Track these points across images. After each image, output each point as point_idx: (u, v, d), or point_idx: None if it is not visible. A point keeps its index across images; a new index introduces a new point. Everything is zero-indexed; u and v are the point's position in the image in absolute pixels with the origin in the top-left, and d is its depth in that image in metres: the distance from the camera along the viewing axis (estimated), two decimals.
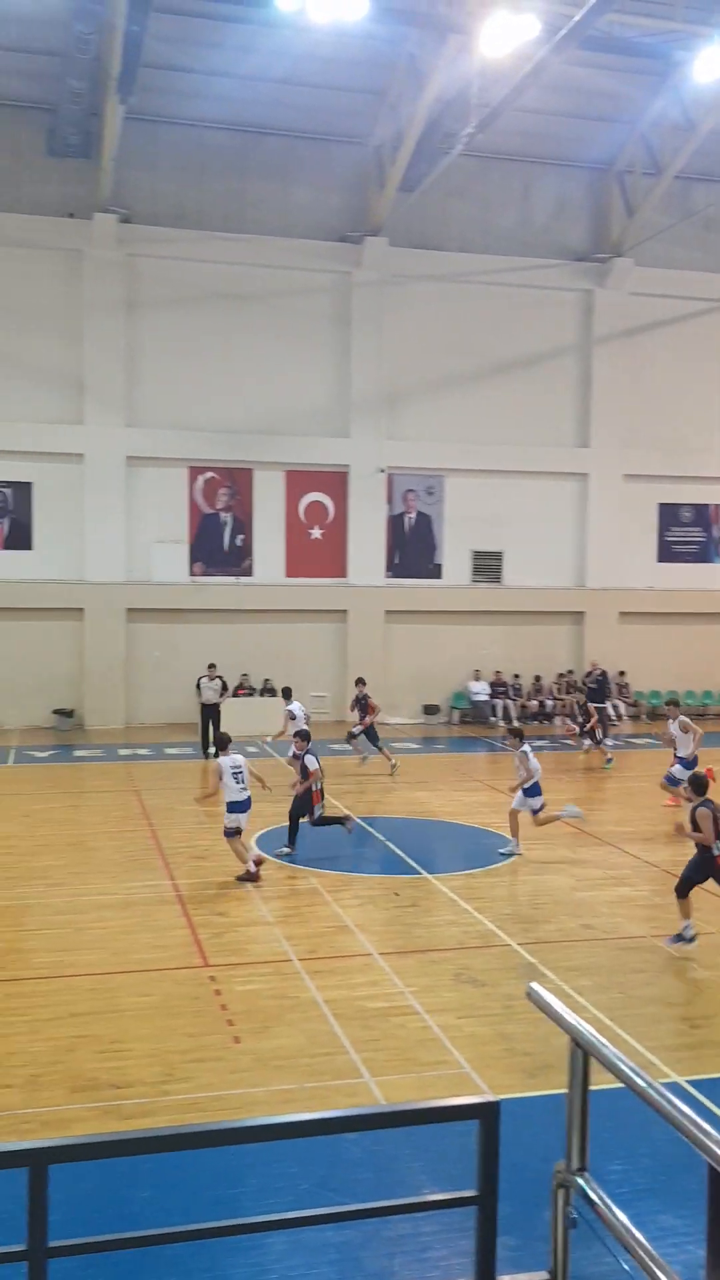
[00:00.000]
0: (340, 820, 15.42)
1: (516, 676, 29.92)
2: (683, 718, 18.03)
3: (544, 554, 30.27)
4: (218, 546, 28.51)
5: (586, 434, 30.27)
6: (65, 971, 10.60)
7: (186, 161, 27.20)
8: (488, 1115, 3.07)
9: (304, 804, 14.92)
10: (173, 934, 11.85)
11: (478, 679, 29.16)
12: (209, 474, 28.29)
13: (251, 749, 23.34)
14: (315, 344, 28.48)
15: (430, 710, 29.52)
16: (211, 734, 21.86)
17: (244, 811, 13.78)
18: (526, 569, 30.24)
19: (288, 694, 22.08)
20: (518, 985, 10.22)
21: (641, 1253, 2.89)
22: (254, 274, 27.78)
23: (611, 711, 28.12)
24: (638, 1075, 2.92)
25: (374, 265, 28.28)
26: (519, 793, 15.34)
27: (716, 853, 10.89)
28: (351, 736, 22.70)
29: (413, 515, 29.83)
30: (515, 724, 21.66)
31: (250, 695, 27.38)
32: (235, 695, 26.92)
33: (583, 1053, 3.09)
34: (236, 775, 13.74)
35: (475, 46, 21.40)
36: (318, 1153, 7.21)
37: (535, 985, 3.43)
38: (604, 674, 26.90)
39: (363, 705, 22.41)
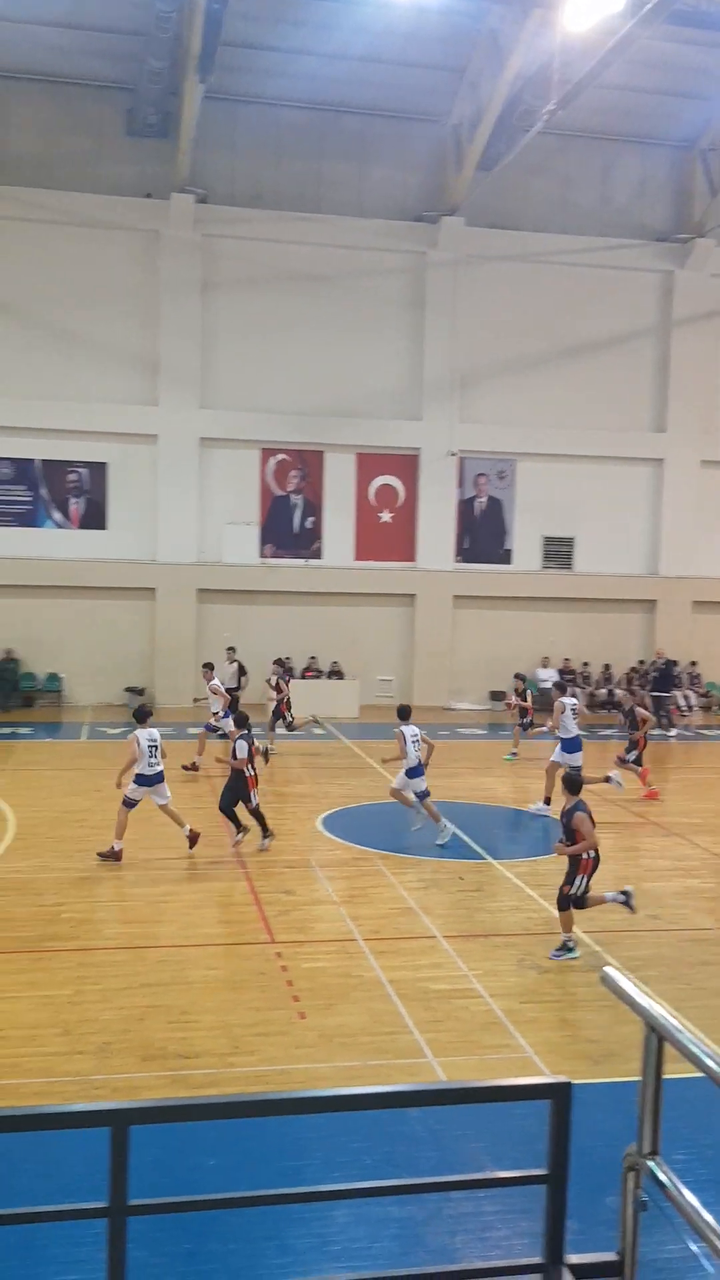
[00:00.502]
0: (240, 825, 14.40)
1: (586, 664, 29.66)
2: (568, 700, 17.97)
3: (617, 540, 29.92)
4: (288, 528, 28.64)
5: (663, 419, 29.81)
6: (136, 943, 10.80)
7: (264, 141, 27.24)
8: (560, 1095, 3.09)
9: (236, 791, 14.19)
10: (240, 910, 12.01)
11: (546, 666, 28.97)
12: (280, 456, 28.40)
13: (319, 731, 23.49)
14: (388, 325, 28.40)
15: (497, 696, 29.39)
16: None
17: (151, 785, 13.78)
18: (598, 556, 29.92)
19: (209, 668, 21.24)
20: (582, 973, 10.20)
21: (713, 1236, 2.88)
22: (329, 255, 27.76)
23: (682, 701, 27.79)
24: (715, 1061, 2.91)
25: (450, 245, 28.09)
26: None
27: (586, 856, 10.64)
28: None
29: (483, 499, 29.66)
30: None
31: (318, 678, 27.52)
32: (303, 677, 27.11)
33: (657, 1037, 3.08)
34: (152, 749, 13.80)
35: (558, 21, 21.10)
36: (381, 1129, 7.28)
37: (610, 970, 3.43)
38: (670, 663, 26.52)
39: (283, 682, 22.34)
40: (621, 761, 18.47)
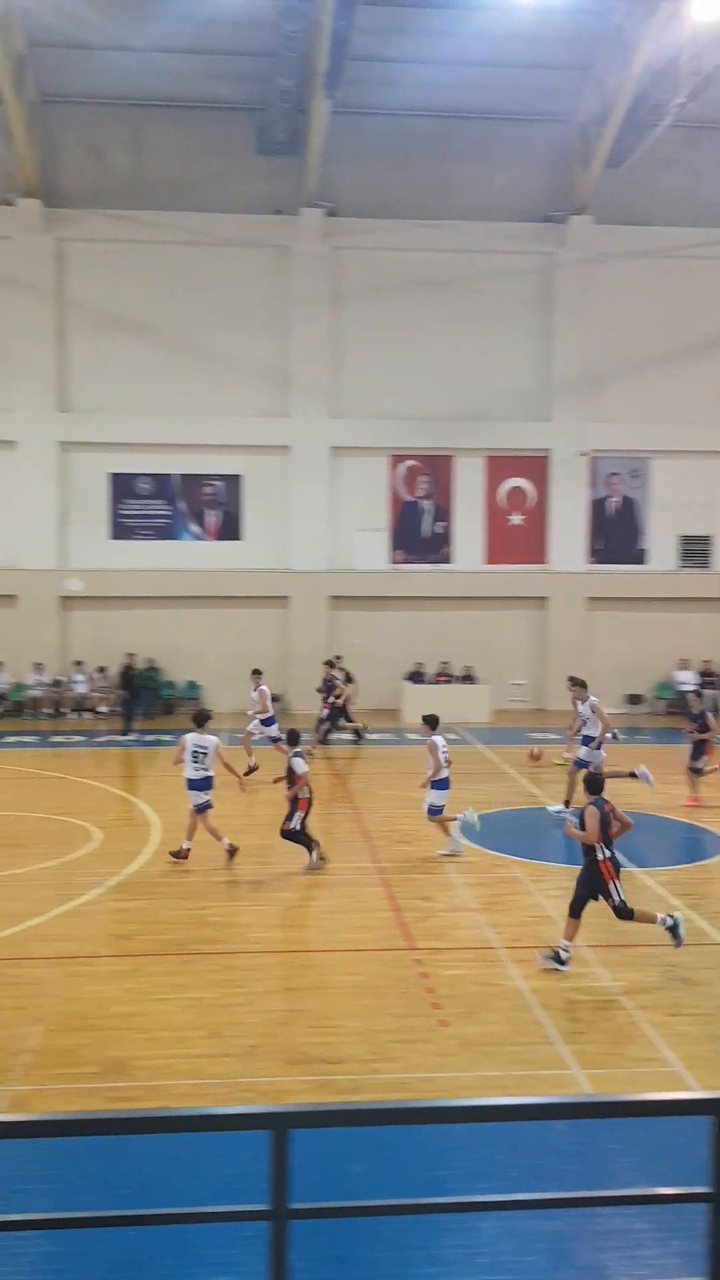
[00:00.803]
0: (309, 844, 13.70)
1: None
2: (593, 699, 17.24)
3: None
4: (417, 534, 28.71)
5: None
6: (277, 948, 11.00)
7: (389, 151, 27.42)
8: None
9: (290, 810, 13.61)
10: (378, 916, 12.09)
11: (684, 668, 28.29)
12: (410, 462, 28.50)
13: (452, 735, 23.43)
14: (516, 327, 28.23)
15: (634, 700, 28.85)
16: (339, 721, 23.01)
17: (191, 789, 13.83)
18: None
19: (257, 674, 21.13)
20: None
21: None
22: (456, 260, 27.76)
23: None
24: None
25: (578, 244, 27.76)
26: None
27: (601, 856, 10.17)
28: (319, 723, 22.74)
29: (617, 499, 29.17)
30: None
31: (449, 682, 27.50)
32: (435, 682, 27.13)
33: None
34: (196, 754, 13.79)
35: (686, 12, 20.66)
36: (527, 1141, 7.24)
37: None
38: None
39: (329, 688, 22.63)
40: (696, 772, 17.74)
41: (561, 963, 10.21)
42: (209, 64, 25.45)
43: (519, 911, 12.21)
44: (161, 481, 27.92)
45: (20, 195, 26.36)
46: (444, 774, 14.47)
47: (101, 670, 26.95)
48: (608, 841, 10.19)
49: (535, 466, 28.71)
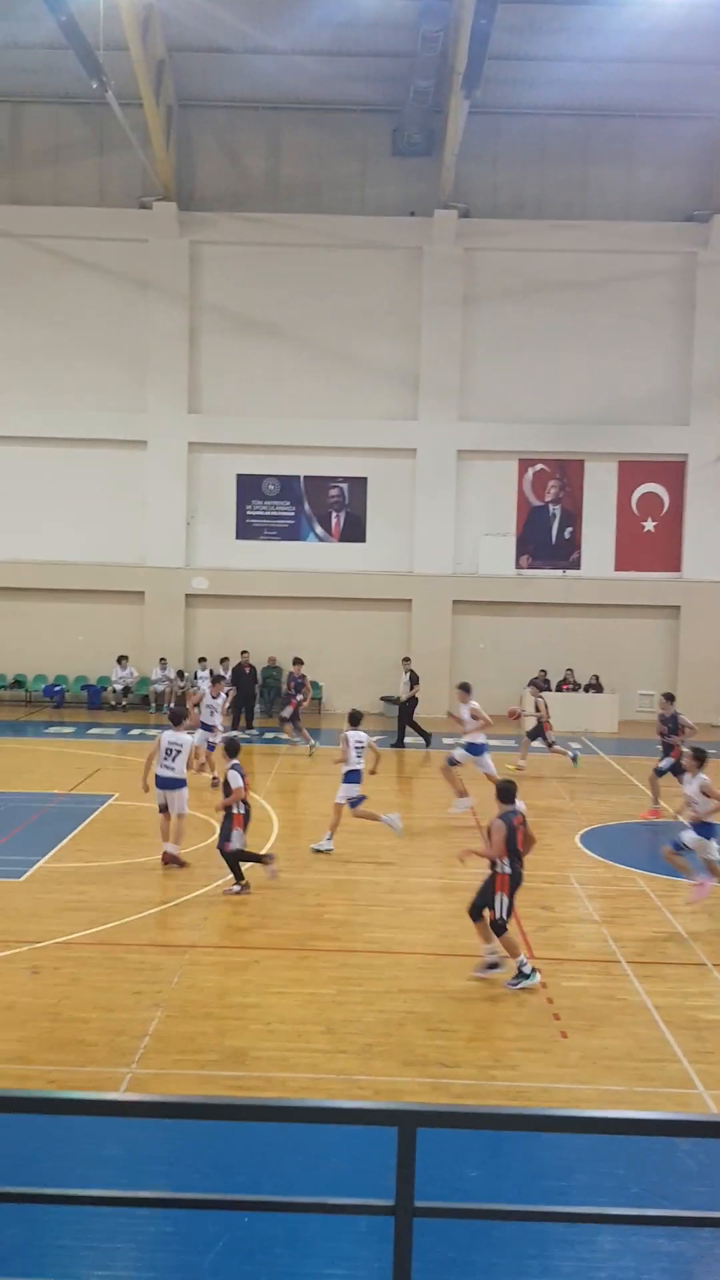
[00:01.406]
0: (259, 858, 12.82)
1: None
2: (474, 703, 16.81)
3: None
4: (545, 539, 28.33)
5: None
6: (395, 948, 10.91)
7: (527, 151, 27.16)
8: None
9: (224, 829, 12.56)
10: None
11: None
12: (539, 466, 28.15)
13: (575, 744, 23.03)
14: (654, 329, 27.62)
15: None
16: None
17: (161, 787, 13.60)
18: None
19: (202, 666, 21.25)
20: None
21: None
22: (593, 260, 27.33)
23: None
24: None
25: None
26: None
27: (499, 871, 9.88)
28: (283, 721, 22.85)
29: None
30: None
31: (575, 691, 27.04)
32: (559, 690, 26.70)
33: None
34: (169, 752, 13.51)
35: None
36: (649, 1158, 7.01)
37: None
38: None
39: (298, 686, 22.76)
40: (659, 772, 17.03)
41: (492, 966, 10.08)
42: (346, 66, 25.61)
43: (644, 926, 11.87)
44: (287, 483, 28.19)
45: (157, 199, 26.96)
46: (353, 767, 14.42)
47: (223, 661, 27.22)
48: (514, 856, 9.96)
49: (671, 472, 28.04)
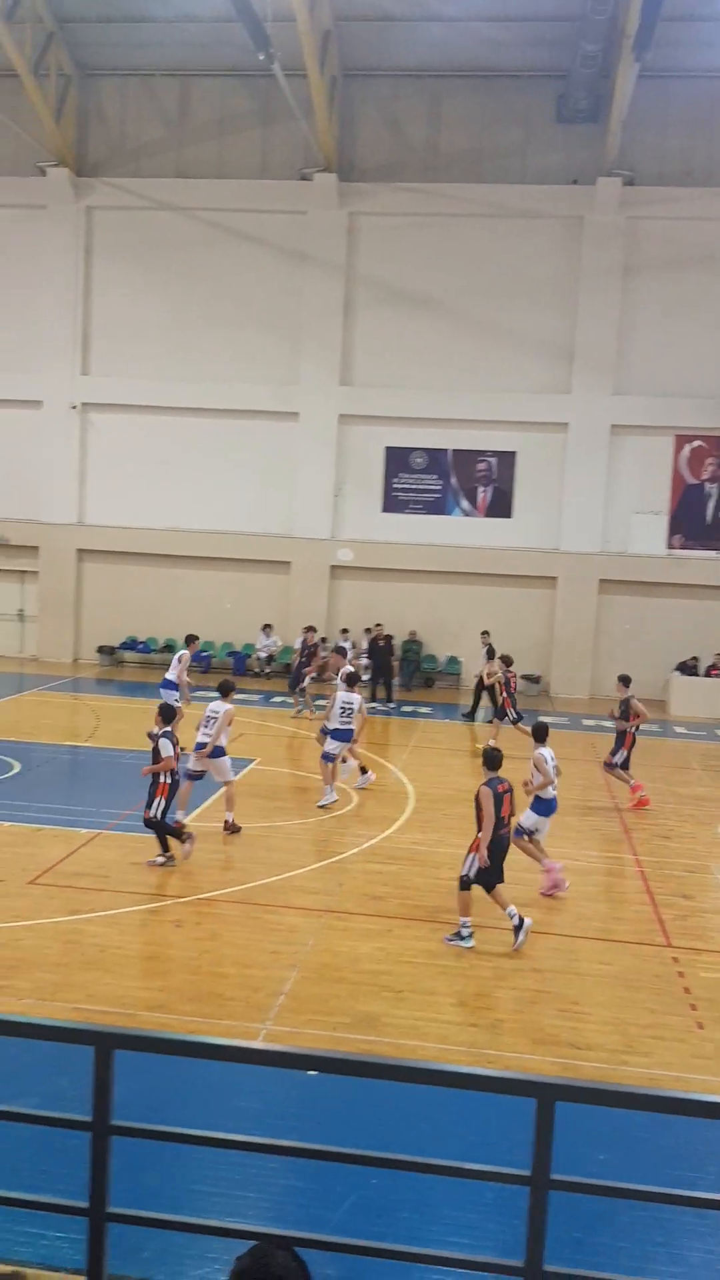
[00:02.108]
0: (178, 833, 12.45)
1: None
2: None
3: None
4: (700, 518, 27.50)
5: None
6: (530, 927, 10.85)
7: (696, 116, 26.18)
8: None
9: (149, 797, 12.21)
10: (634, 909, 11.74)
11: None
12: (696, 442, 27.30)
13: (700, 732, 22.39)
14: None
15: None
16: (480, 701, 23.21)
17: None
18: None
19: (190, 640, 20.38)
20: None
21: None
22: None
23: None
24: None
25: None
26: None
27: (478, 834, 10.19)
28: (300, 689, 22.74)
29: None
30: None
31: None
32: (708, 675, 26.01)
33: None
34: (208, 721, 13.57)
35: None
36: None
37: None
38: None
39: (310, 653, 22.71)
40: (609, 767, 16.31)
41: (462, 938, 10.20)
42: (512, 31, 25.13)
43: None
44: (435, 456, 28.09)
45: (317, 170, 27.06)
46: (345, 727, 15.25)
47: (367, 630, 27.38)
48: (496, 822, 10.16)
49: None
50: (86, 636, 29.31)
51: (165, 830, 12.26)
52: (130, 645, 29.25)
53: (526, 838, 12.00)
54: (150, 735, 12.37)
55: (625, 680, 16.97)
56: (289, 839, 13.67)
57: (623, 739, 16.33)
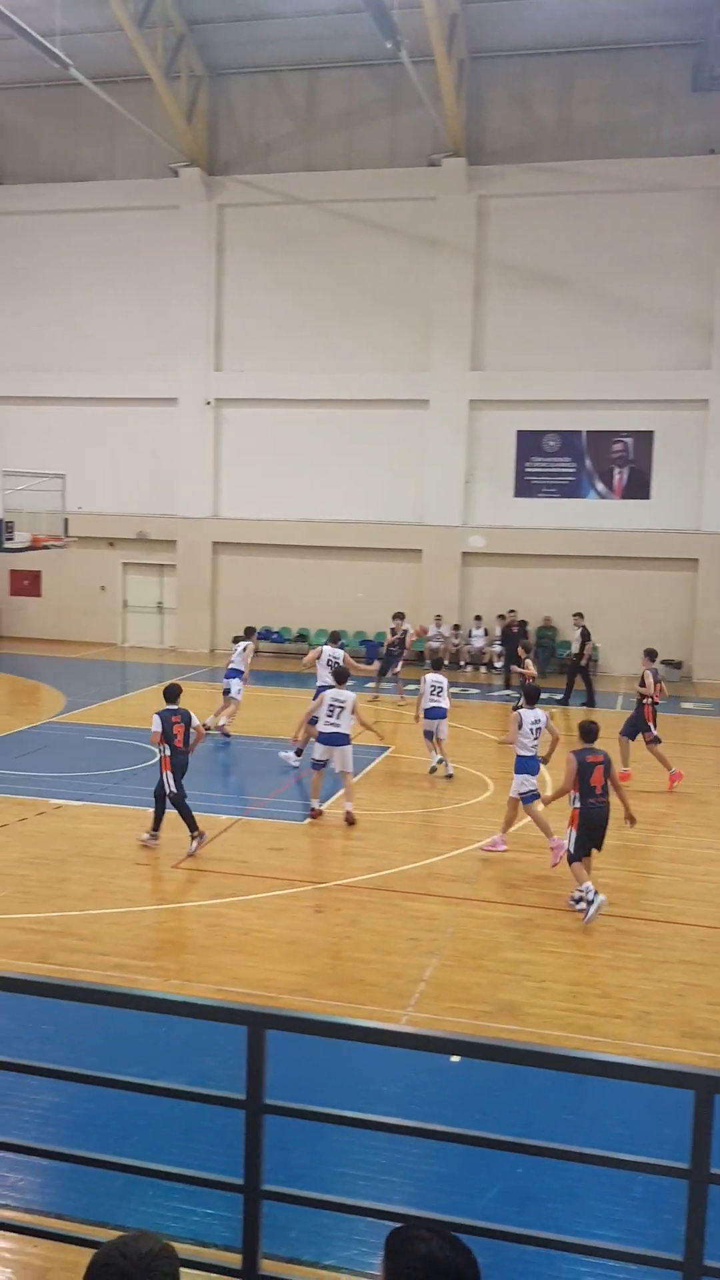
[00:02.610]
0: (192, 823, 12.14)
1: None
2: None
3: None
4: None
5: None
6: (675, 918, 10.60)
7: None
8: None
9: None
10: None
11: None
12: None
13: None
14: None
15: None
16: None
17: (325, 742, 13.70)
18: None
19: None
20: None
21: None
22: None
23: None
24: None
25: None
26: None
27: (573, 805, 10.44)
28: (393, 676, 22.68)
29: None
30: None
31: None
32: None
33: None
34: (331, 710, 13.64)
35: None
36: None
37: None
38: None
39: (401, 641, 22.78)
40: (652, 742, 15.99)
41: (589, 903, 10.21)
42: (641, 2, 24.48)
43: None
44: (569, 439, 27.62)
45: (446, 156, 26.86)
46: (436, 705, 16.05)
47: (500, 616, 27.17)
48: (586, 791, 10.32)
49: None
50: (222, 627, 29.85)
51: (186, 812, 12.07)
52: (264, 635, 29.66)
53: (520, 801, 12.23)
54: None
55: (651, 654, 16.77)
56: (425, 827, 13.66)
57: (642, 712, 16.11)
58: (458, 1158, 6.27)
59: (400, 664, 22.97)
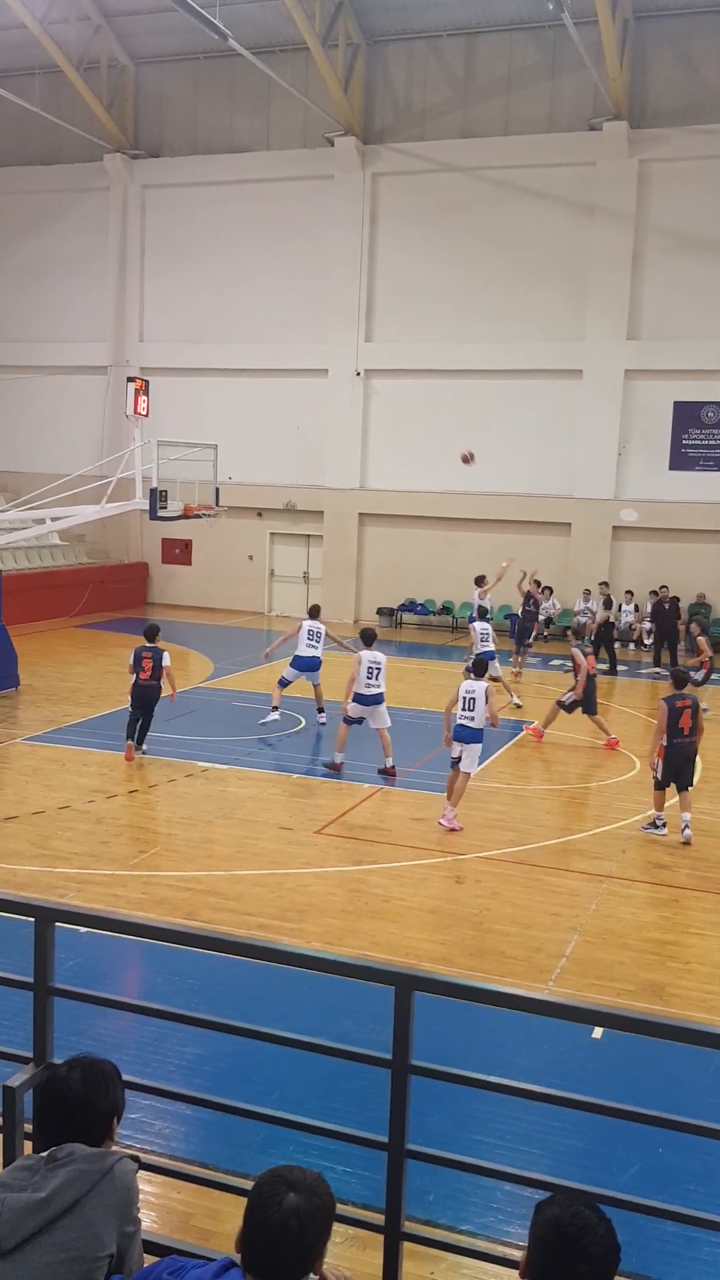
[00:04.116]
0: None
1: None
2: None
3: None
4: None
5: None
6: None
7: None
8: None
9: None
10: None
11: None
12: None
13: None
14: None
15: None
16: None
17: (365, 704, 13.98)
18: None
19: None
20: None
21: None
22: None
23: None
24: None
25: None
26: None
27: (662, 743, 11.82)
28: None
29: None
30: None
31: None
32: None
33: None
34: (370, 671, 13.94)
35: None
36: None
37: None
38: None
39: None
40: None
41: (657, 827, 12.07)
42: None
43: None
44: None
45: (607, 119, 26.11)
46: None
47: (652, 592, 26.48)
48: (674, 731, 11.71)
49: None
50: (367, 598, 30.02)
51: (132, 730, 14.72)
52: (409, 607, 29.73)
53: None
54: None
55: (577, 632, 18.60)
56: (569, 803, 13.49)
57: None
58: (597, 1132, 6.20)
59: (533, 635, 22.62)
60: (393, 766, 14.11)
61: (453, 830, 11.97)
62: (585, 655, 16.03)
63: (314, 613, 17.10)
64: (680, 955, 8.91)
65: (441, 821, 12.12)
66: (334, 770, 14.25)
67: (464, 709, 12.29)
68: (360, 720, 14.16)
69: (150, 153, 31.07)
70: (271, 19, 26.59)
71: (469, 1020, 7.17)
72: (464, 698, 12.35)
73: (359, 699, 14.01)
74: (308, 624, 16.62)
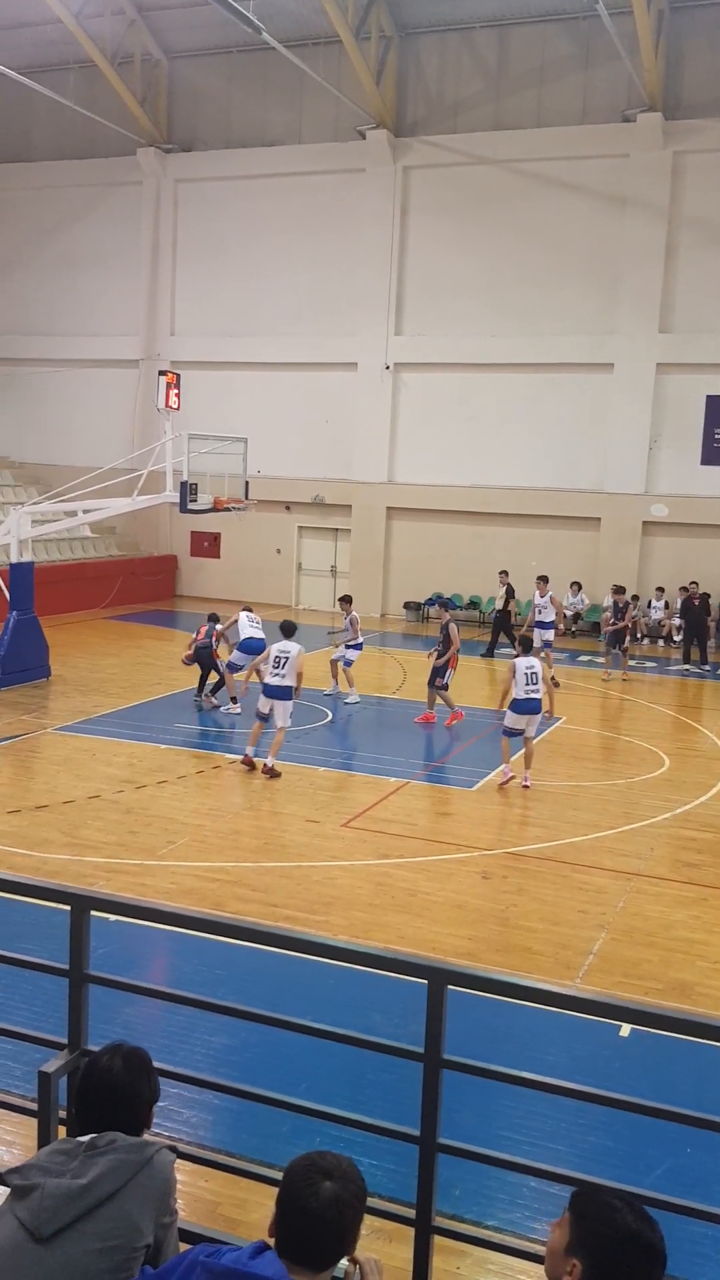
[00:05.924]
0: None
1: None
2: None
3: None
4: None
5: None
6: None
7: None
8: None
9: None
10: None
11: None
12: None
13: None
14: None
15: None
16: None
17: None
18: None
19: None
20: None
21: None
22: None
23: None
24: None
25: None
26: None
27: None
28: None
29: None
30: None
31: None
32: None
33: None
34: (277, 662, 13.82)
35: None
36: None
37: None
38: None
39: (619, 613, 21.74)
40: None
41: None
42: None
43: None
44: None
45: (641, 110, 25.91)
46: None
47: (682, 589, 26.33)
48: None
49: None
50: (394, 592, 30.00)
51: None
52: (436, 601, 29.66)
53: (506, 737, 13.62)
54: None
55: (446, 604, 18.32)
56: (596, 799, 13.45)
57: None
58: (625, 1131, 6.20)
59: (627, 639, 22.27)
60: (273, 767, 13.54)
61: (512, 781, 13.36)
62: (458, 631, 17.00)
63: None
64: (709, 954, 8.87)
65: (525, 784, 13.51)
66: (247, 765, 13.78)
67: (528, 684, 13.47)
68: (269, 714, 13.77)
69: (183, 147, 31.13)
70: (305, 11, 26.54)
71: (495, 1016, 7.17)
72: (526, 673, 13.48)
73: (265, 688, 13.78)
74: (245, 614, 17.18)
